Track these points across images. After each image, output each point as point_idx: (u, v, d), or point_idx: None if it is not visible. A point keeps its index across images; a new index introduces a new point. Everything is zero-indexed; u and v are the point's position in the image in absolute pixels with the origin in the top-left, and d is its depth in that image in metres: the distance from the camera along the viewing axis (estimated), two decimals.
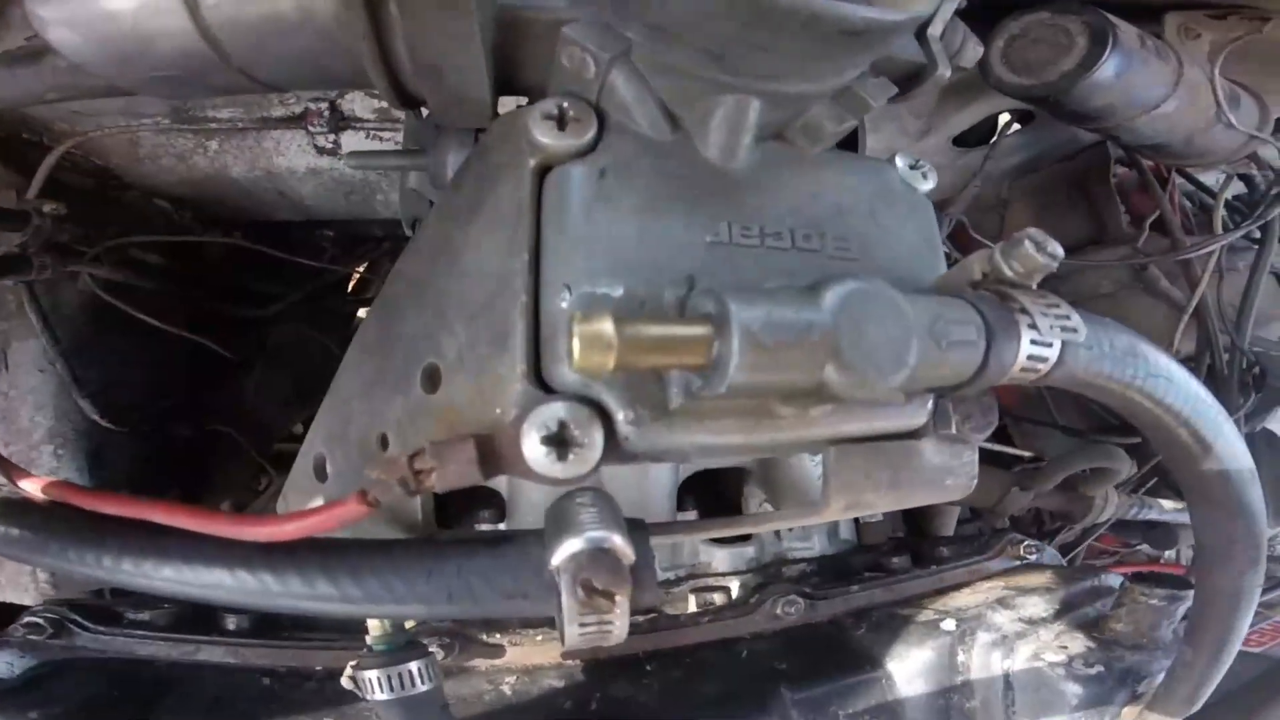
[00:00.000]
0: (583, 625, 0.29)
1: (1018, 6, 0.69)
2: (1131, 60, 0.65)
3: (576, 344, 0.25)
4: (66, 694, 0.61)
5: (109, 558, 0.31)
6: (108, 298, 0.79)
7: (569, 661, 0.64)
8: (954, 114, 0.99)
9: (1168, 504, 0.91)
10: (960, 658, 0.66)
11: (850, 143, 0.53)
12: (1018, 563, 0.80)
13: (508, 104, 0.37)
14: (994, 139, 1.06)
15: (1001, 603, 0.70)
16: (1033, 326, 0.32)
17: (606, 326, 0.24)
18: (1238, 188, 1.04)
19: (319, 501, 0.42)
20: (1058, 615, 0.67)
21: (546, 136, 0.31)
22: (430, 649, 0.51)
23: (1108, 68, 0.64)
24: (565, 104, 0.32)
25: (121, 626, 0.67)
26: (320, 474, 0.45)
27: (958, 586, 0.76)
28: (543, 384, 0.29)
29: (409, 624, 0.51)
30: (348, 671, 0.51)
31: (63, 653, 0.65)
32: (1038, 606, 0.69)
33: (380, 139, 0.86)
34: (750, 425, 0.32)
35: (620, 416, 0.29)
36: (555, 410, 0.28)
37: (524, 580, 0.30)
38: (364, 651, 0.50)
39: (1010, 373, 0.32)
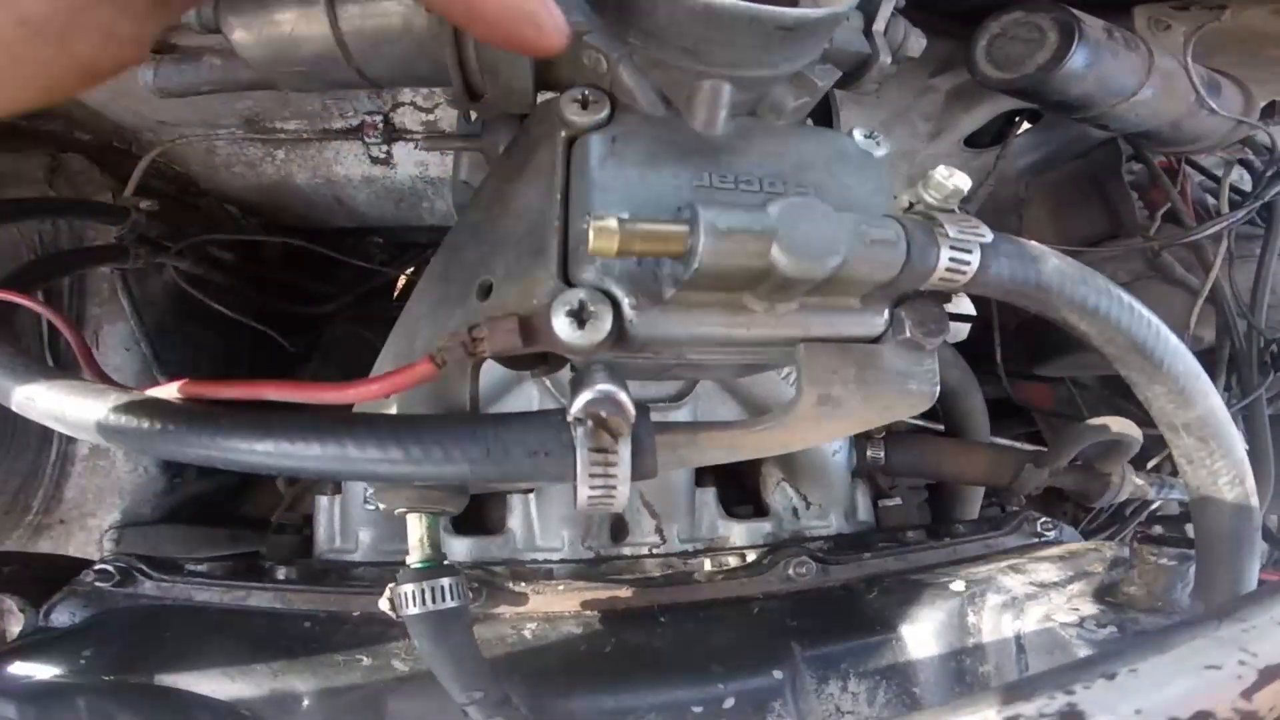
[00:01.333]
0: (591, 479, 0.35)
1: (997, 7, 0.75)
2: (1100, 51, 0.70)
3: (591, 234, 0.33)
4: (120, 634, 0.65)
5: (221, 438, 0.37)
6: (188, 288, 0.89)
7: (587, 611, 0.68)
8: (962, 115, 1.04)
9: None
10: (971, 619, 0.67)
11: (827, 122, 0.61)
12: (1035, 540, 0.81)
13: (542, 96, 0.48)
14: (1005, 139, 1.09)
15: (1013, 568, 0.70)
16: (946, 235, 0.37)
17: (612, 222, 0.33)
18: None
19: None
20: (1070, 580, 0.67)
21: (574, 115, 0.41)
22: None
23: (1077, 59, 0.69)
24: (586, 92, 0.41)
25: (181, 575, 0.72)
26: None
27: (972, 560, 0.77)
28: (569, 282, 0.37)
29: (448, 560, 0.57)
30: (386, 593, 0.56)
31: (125, 601, 0.69)
32: (1049, 572, 0.69)
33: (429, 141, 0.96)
34: (729, 318, 0.38)
35: (626, 303, 0.36)
36: (577, 294, 0.36)
37: (546, 439, 0.36)
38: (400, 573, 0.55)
39: (939, 272, 0.38)
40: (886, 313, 0.42)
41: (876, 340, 0.42)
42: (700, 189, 0.40)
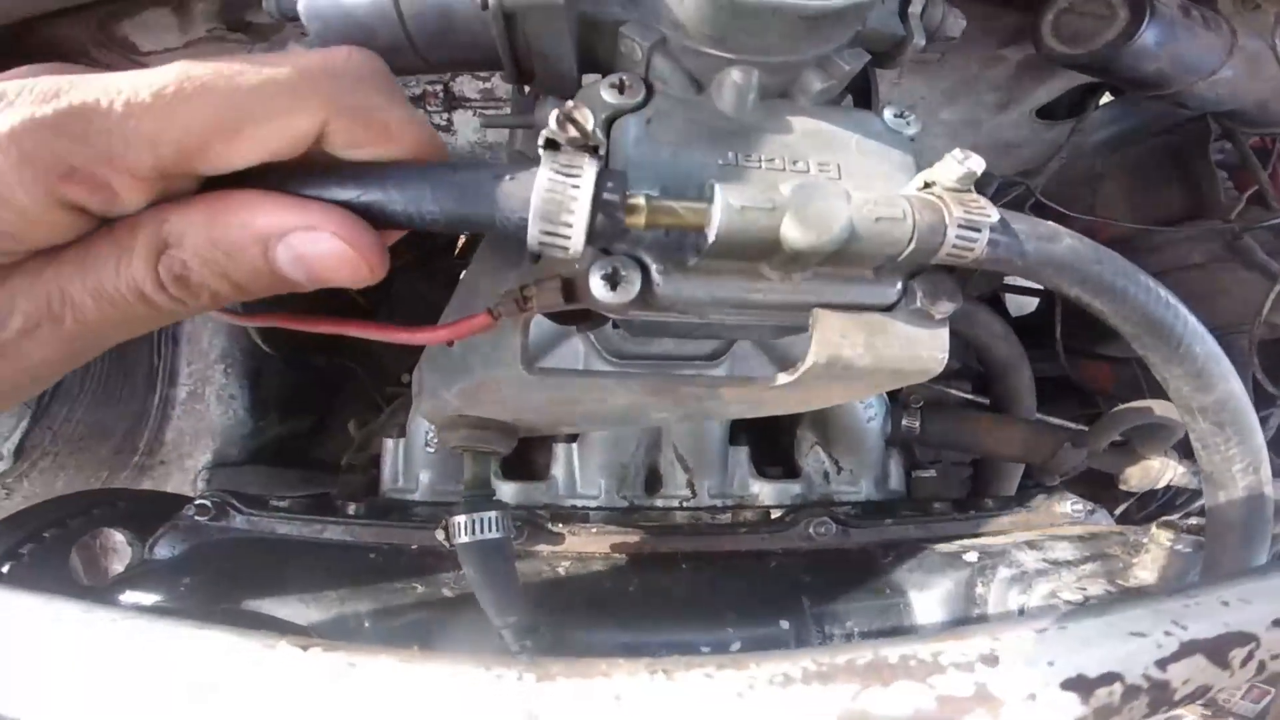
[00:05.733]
0: (549, 192, 0.34)
1: None
2: (1174, 29, 0.68)
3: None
4: (214, 564, 0.73)
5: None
6: None
7: (616, 554, 0.74)
8: (1033, 87, 1.00)
9: None
10: (979, 590, 0.69)
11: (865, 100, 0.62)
12: (1062, 519, 0.81)
13: (587, 80, 0.51)
14: (1083, 112, 1.05)
15: (1030, 544, 0.72)
16: (951, 214, 0.39)
17: (640, 199, 0.37)
18: None
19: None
20: (1085, 560, 0.69)
21: (612, 98, 0.45)
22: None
23: (1148, 36, 0.67)
24: (624, 77, 0.45)
25: (267, 510, 0.80)
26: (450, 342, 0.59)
27: (993, 533, 0.78)
28: (606, 250, 0.41)
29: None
30: (441, 523, 0.63)
31: (218, 534, 0.77)
32: (1065, 551, 0.70)
33: (484, 115, 1.00)
34: (746, 284, 0.42)
35: (654, 268, 0.41)
36: (612, 260, 0.40)
37: (514, 168, 0.36)
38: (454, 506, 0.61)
39: (945, 248, 0.39)
40: (900, 284, 0.44)
41: (889, 309, 0.44)
42: (726, 168, 0.43)
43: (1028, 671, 0.27)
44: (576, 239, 0.35)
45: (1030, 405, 1.01)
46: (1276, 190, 0.93)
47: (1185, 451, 0.90)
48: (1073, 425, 0.99)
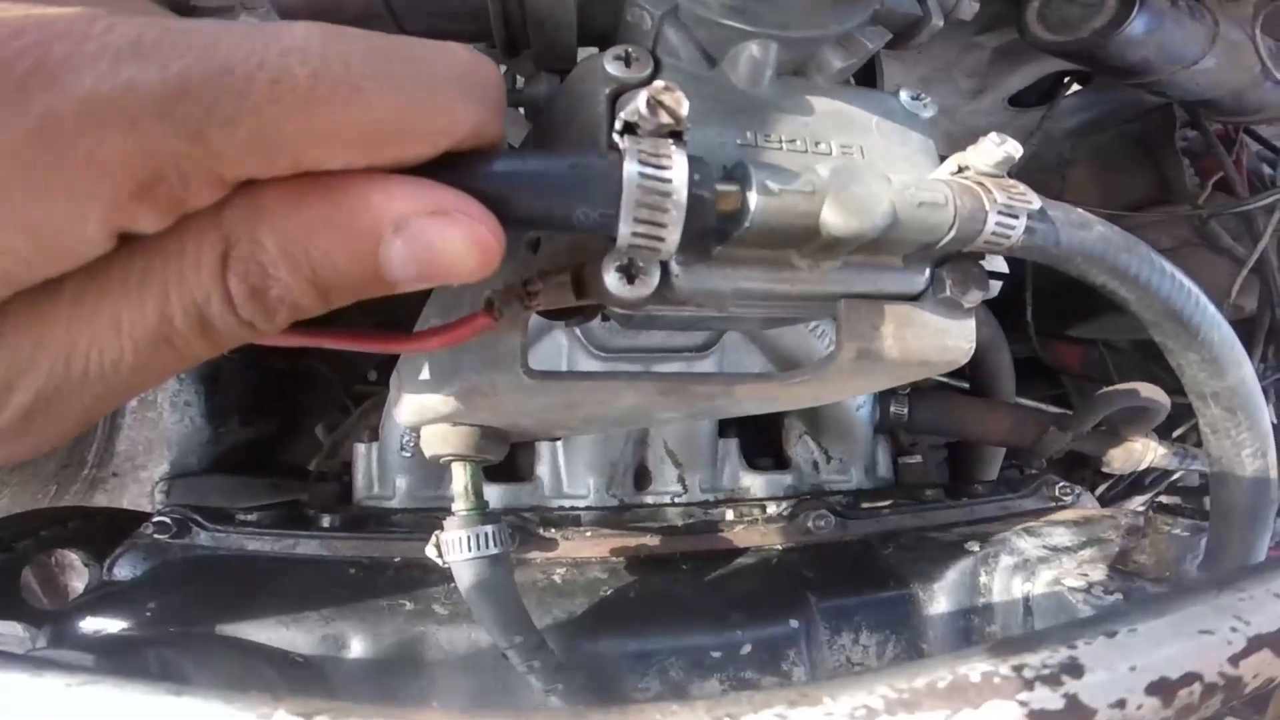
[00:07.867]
0: (643, 178, 0.30)
1: None
2: (1162, 18, 0.69)
3: None
4: (181, 585, 0.68)
5: None
6: None
7: (614, 557, 0.72)
8: (1008, 74, 1.01)
9: None
10: (982, 579, 0.69)
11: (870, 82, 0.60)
12: (1052, 504, 0.82)
13: (583, 53, 0.47)
14: (1053, 99, 1.06)
15: (1028, 531, 0.72)
16: (994, 200, 0.38)
17: None
18: None
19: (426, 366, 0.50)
20: (1083, 546, 0.69)
21: (617, 71, 0.40)
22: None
23: (1137, 25, 0.68)
24: (630, 49, 0.41)
25: (234, 525, 0.74)
26: None
27: (988, 520, 0.79)
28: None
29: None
30: (432, 539, 0.58)
31: (181, 552, 0.71)
32: (1063, 537, 0.71)
33: None
34: (773, 274, 0.39)
35: (673, 259, 0.37)
36: (626, 250, 0.35)
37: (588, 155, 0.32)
38: (446, 521, 0.57)
39: (984, 235, 0.38)
40: (927, 272, 0.42)
41: (916, 298, 0.43)
42: (745, 148, 0.40)
43: (1112, 679, 0.26)
44: (672, 237, 0.31)
45: (1010, 388, 1.03)
46: (1241, 177, 0.96)
47: (1164, 433, 0.93)
48: (1055, 409, 1.01)
